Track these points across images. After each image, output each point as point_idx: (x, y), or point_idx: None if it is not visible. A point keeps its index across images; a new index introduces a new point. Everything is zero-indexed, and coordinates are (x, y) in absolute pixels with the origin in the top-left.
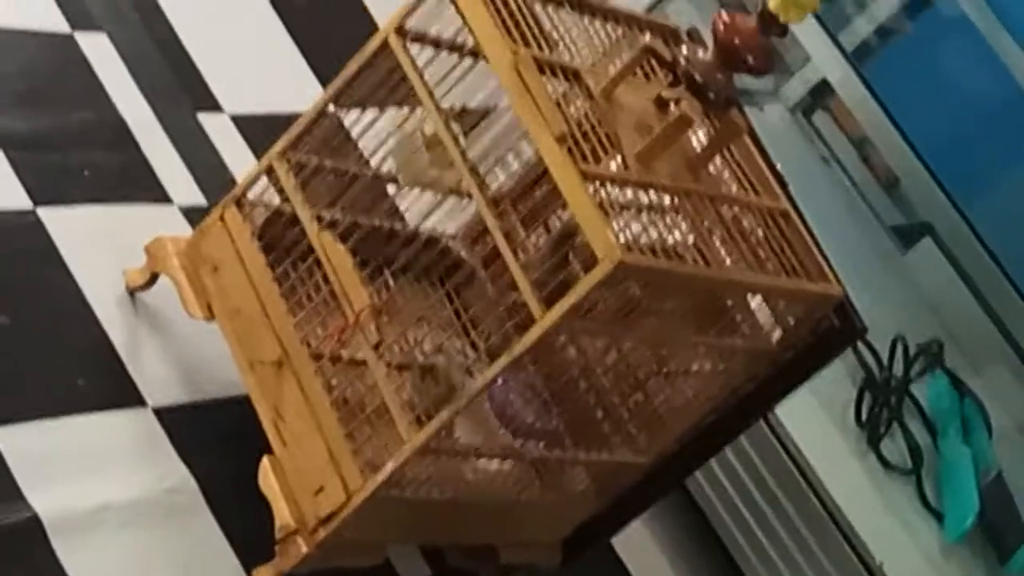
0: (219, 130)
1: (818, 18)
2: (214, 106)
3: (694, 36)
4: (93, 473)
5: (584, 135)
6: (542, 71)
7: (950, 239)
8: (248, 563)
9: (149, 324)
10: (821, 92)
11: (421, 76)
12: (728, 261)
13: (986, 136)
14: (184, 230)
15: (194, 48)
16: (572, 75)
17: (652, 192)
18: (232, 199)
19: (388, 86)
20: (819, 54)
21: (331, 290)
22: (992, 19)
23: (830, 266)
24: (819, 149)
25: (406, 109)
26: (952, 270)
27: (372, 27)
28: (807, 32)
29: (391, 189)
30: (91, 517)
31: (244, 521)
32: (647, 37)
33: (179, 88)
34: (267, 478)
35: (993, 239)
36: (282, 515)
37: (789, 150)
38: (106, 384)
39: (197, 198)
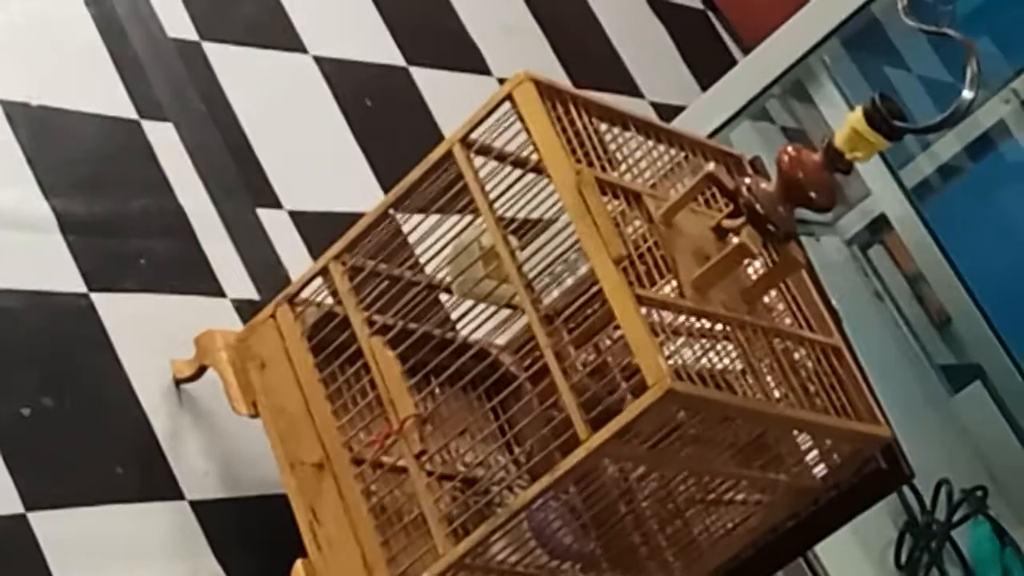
0: (277, 226)
1: (881, 154)
2: (274, 202)
3: (758, 166)
4: (126, 563)
5: (640, 257)
6: (604, 191)
7: (1000, 383)
8: None
9: (193, 416)
10: (879, 227)
11: (483, 188)
12: (777, 394)
13: None
14: (235, 324)
15: (258, 143)
16: (633, 197)
17: (705, 320)
18: (285, 298)
19: (449, 195)
20: (879, 189)
21: (377, 396)
22: None
23: (879, 406)
24: (873, 284)
25: (465, 219)
26: (1001, 415)
27: (437, 135)
28: (869, 166)
29: (444, 297)
30: None
31: None
32: (711, 164)
33: (240, 182)
34: None
35: None
36: None
37: (843, 283)
38: (145, 474)
39: (250, 292)
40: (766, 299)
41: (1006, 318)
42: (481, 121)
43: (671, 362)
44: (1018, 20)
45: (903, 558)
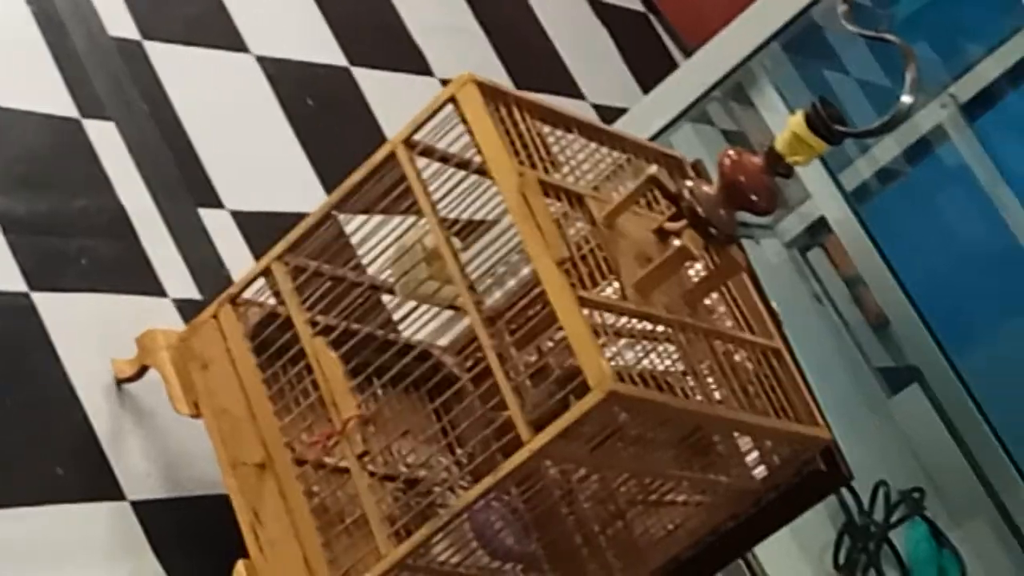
0: (219, 226)
1: (820, 157)
2: (215, 201)
3: (699, 169)
4: (66, 564)
5: (583, 259)
6: (546, 193)
7: (937, 386)
8: None
9: (134, 416)
10: (818, 230)
11: (426, 190)
12: (718, 395)
13: (979, 285)
14: (177, 324)
15: (200, 142)
16: (575, 199)
17: (647, 322)
18: (227, 298)
19: (392, 196)
20: (819, 192)
21: (320, 396)
22: (992, 170)
23: (819, 409)
24: (812, 286)
25: (409, 220)
26: (938, 418)
27: (380, 135)
28: (808, 169)
29: (387, 298)
30: None
31: None
32: (653, 167)
33: (182, 181)
34: None
35: (980, 389)
36: None
37: (782, 285)
38: (86, 474)
39: (192, 292)
40: (707, 301)
41: (943, 321)
42: (424, 122)
43: (613, 364)
44: (956, 25)
45: (841, 559)
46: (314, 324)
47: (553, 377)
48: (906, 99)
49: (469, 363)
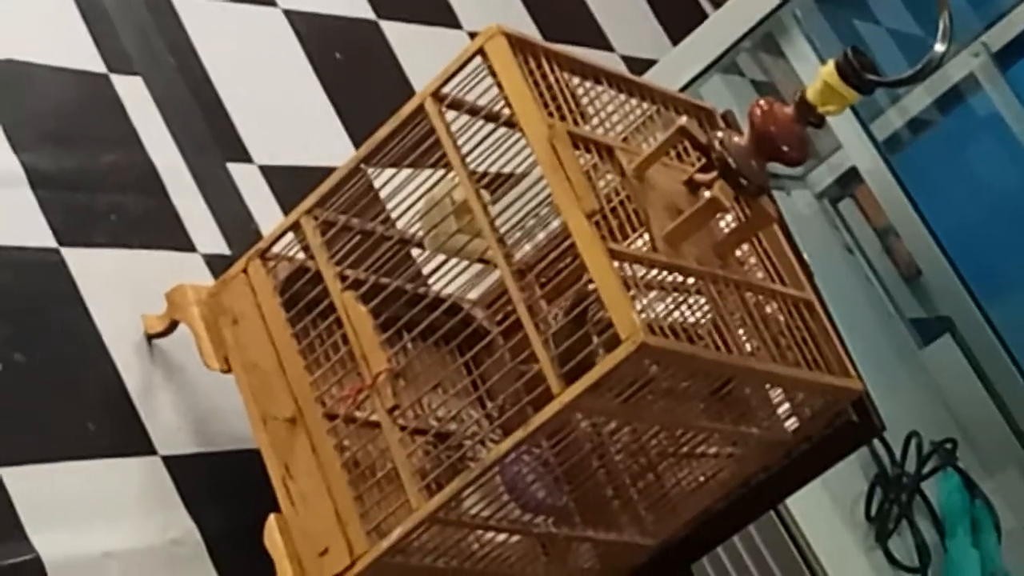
0: (248, 180)
1: (851, 107)
2: (244, 156)
3: (730, 120)
4: (98, 519)
5: (613, 211)
6: (576, 146)
7: (969, 336)
8: None
9: (164, 371)
10: (849, 180)
11: (455, 142)
12: (749, 347)
13: (1012, 235)
14: (206, 279)
15: (228, 97)
16: (605, 151)
17: (678, 274)
18: (257, 252)
19: (421, 149)
20: (850, 142)
21: (350, 350)
22: None
23: (851, 360)
24: (843, 237)
25: (437, 173)
26: (970, 368)
27: (409, 89)
28: (839, 120)
29: (416, 252)
30: (93, 563)
31: None
32: (683, 117)
33: (210, 136)
34: (272, 536)
35: (1013, 340)
36: (285, 574)
37: (813, 236)
38: (117, 430)
39: (221, 247)
40: (738, 253)
41: (975, 271)
42: (453, 75)
43: (643, 316)
44: None
45: (873, 510)
46: (343, 278)
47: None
48: (939, 48)
49: (499, 316)
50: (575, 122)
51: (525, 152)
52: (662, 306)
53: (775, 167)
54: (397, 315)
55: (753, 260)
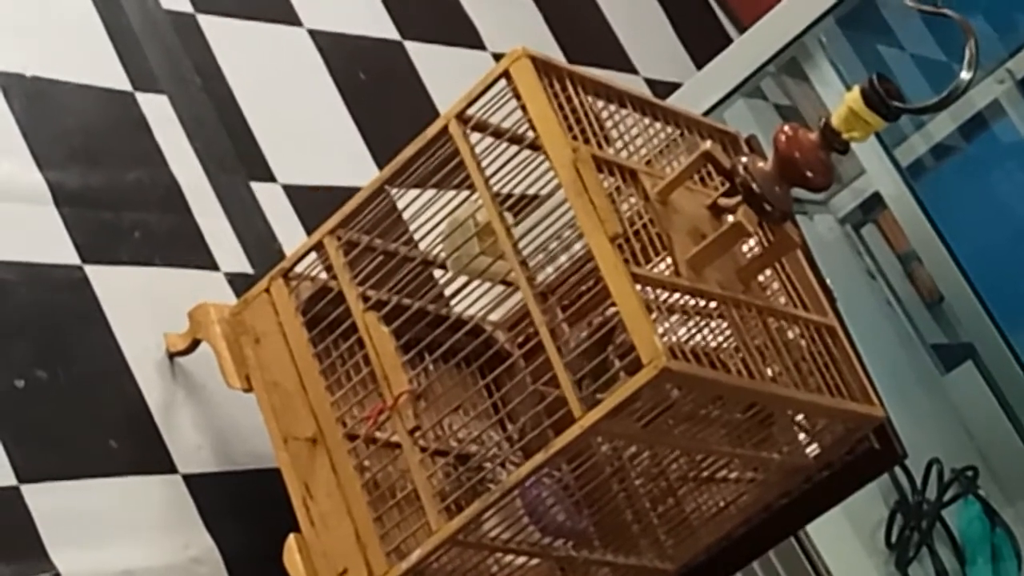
0: (271, 200)
1: (875, 132)
2: (268, 175)
3: (754, 145)
4: (118, 536)
5: (636, 235)
6: (600, 169)
7: (991, 363)
8: None
9: (186, 390)
10: (872, 205)
11: (478, 164)
12: (771, 373)
13: None
14: (229, 298)
15: (253, 116)
16: (629, 174)
17: (700, 298)
18: (279, 272)
19: (445, 171)
20: (873, 168)
21: (371, 371)
22: None
23: (873, 386)
24: (866, 263)
25: (461, 195)
26: (992, 396)
27: (432, 110)
28: (862, 145)
29: (439, 273)
30: None
31: None
32: (707, 142)
33: (234, 155)
34: (292, 556)
35: None
36: None
37: (835, 261)
38: (138, 447)
39: (244, 266)
40: (761, 278)
41: (998, 298)
42: (477, 97)
43: (666, 340)
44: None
45: (893, 537)
46: (366, 299)
47: (606, 353)
48: (964, 75)
49: (521, 338)
50: (599, 145)
51: (549, 175)
52: (684, 331)
53: (798, 192)
54: (419, 336)
55: (776, 285)
